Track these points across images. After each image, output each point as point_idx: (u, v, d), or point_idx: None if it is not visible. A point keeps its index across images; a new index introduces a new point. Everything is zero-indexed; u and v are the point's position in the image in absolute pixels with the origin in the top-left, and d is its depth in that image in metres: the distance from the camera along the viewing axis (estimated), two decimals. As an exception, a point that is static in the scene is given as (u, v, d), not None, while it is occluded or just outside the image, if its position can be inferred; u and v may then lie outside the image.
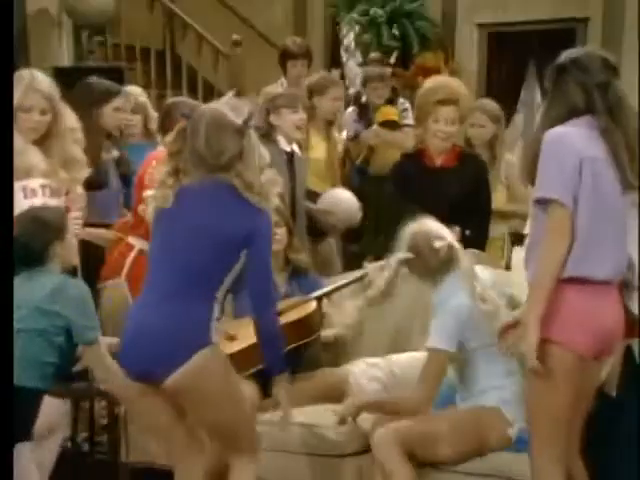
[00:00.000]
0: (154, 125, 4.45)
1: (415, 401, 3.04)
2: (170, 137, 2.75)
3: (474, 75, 8.10)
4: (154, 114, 4.60)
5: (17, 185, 3.06)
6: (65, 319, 2.81)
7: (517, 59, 8.06)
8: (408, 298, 3.73)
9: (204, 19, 7.54)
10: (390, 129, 5.28)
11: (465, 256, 3.10)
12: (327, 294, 3.65)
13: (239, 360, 3.34)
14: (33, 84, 3.36)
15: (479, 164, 4.19)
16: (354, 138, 5.57)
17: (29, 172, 3.17)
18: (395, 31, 7.55)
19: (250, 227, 2.69)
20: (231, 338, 3.42)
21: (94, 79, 4.34)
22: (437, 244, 3.04)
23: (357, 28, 7.70)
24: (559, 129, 2.58)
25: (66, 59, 7.26)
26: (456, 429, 2.99)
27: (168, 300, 2.68)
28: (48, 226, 2.92)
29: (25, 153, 3.24)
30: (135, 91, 4.78)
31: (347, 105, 5.79)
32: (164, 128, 3.70)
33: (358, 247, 5.25)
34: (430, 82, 4.24)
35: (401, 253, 3.07)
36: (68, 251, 3.04)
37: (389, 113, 5.42)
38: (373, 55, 7.40)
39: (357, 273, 3.83)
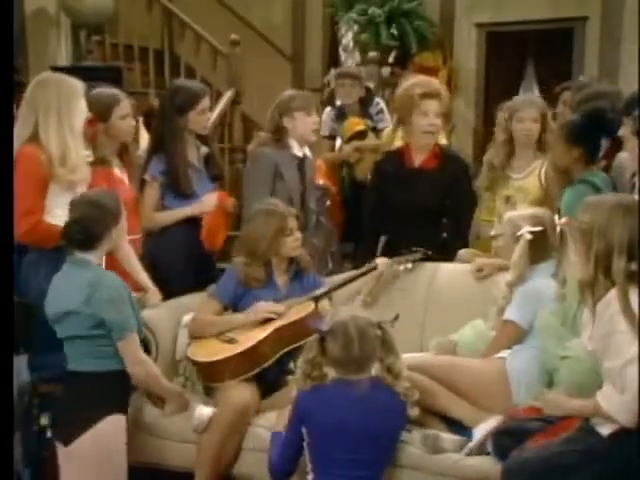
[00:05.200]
0: None
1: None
2: (308, 352, 2.88)
3: (473, 74, 8.10)
4: None
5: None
6: (98, 316, 2.97)
7: (515, 59, 8.07)
8: (406, 296, 3.75)
9: (203, 19, 7.53)
10: (361, 139, 5.30)
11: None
12: (325, 294, 3.65)
13: (239, 363, 3.35)
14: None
15: (460, 165, 4.13)
16: (329, 138, 5.61)
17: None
18: (393, 31, 7.55)
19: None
20: (230, 341, 3.42)
21: (181, 82, 4.47)
22: (558, 222, 3.24)
23: (355, 28, 7.70)
24: None
25: (64, 59, 7.25)
26: None
27: None
28: (108, 210, 3.06)
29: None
30: None
31: (325, 105, 5.84)
32: None
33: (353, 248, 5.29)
34: (408, 81, 4.22)
35: (528, 227, 3.26)
36: (121, 235, 3.19)
37: (354, 124, 5.44)
38: (371, 54, 7.42)
39: (351, 273, 3.85)
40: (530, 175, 4.12)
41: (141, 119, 5.38)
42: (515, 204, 4.01)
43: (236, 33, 6.96)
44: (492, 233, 3.58)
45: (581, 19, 7.55)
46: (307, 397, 2.84)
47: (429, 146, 4.03)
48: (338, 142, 5.64)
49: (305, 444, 2.85)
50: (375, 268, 3.75)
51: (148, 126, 5.24)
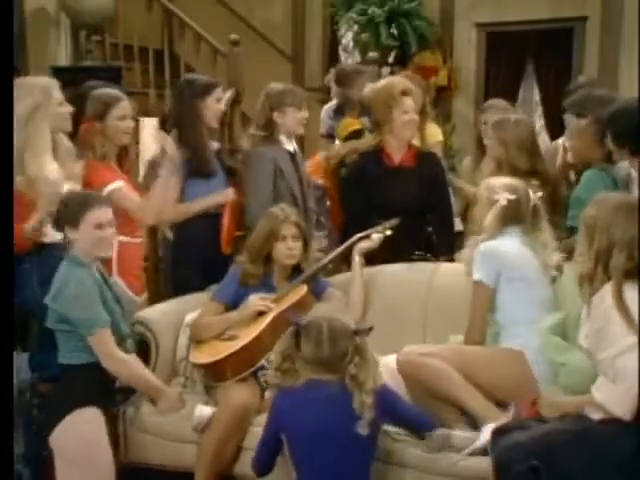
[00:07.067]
0: None
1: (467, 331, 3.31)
2: (281, 344, 2.88)
3: (472, 74, 8.11)
4: None
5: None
6: (63, 313, 3.01)
7: (515, 58, 8.07)
8: (406, 296, 3.75)
9: (202, 18, 7.53)
10: (357, 138, 5.31)
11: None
12: (314, 274, 3.64)
13: (243, 357, 3.36)
14: None
15: (436, 162, 4.24)
16: (327, 136, 5.61)
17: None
18: (393, 30, 7.56)
19: None
20: (231, 338, 3.42)
21: (194, 75, 4.50)
22: (534, 193, 3.36)
23: (355, 27, 7.71)
24: None
25: (64, 58, 7.25)
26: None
27: None
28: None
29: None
30: None
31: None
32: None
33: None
34: (380, 83, 4.30)
35: (505, 195, 3.31)
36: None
37: (350, 124, 5.43)
38: (371, 54, 7.42)
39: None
40: None
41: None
42: None
43: (236, 33, 6.95)
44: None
45: (581, 19, 7.55)
46: (280, 399, 2.86)
47: (406, 143, 4.10)
48: (337, 141, 5.63)
49: (288, 454, 2.83)
50: (367, 237, 3.74)
51: None
